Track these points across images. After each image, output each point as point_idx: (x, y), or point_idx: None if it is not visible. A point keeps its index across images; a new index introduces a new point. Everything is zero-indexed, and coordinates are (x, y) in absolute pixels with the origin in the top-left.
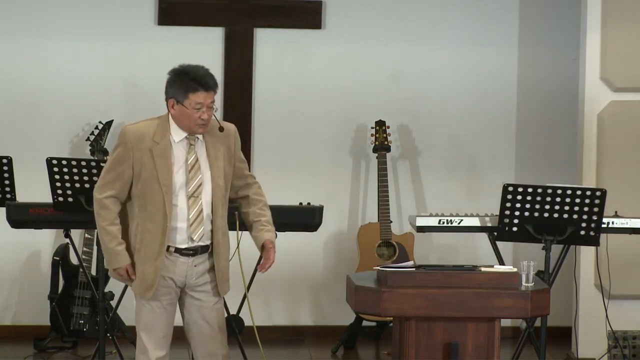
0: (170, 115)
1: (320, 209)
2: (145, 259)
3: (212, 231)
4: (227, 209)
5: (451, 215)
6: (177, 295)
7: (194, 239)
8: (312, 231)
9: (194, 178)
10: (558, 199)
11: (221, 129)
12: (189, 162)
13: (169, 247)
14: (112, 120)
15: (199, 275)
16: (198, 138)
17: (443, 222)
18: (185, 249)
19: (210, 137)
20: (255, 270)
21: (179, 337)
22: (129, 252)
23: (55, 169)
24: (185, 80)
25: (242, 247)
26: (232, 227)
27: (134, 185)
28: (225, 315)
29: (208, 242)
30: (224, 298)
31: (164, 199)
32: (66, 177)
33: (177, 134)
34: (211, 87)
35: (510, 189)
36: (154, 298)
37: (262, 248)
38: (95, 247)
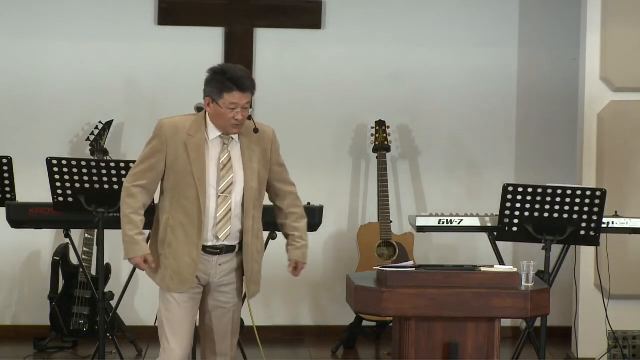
0: (207, 113)
1: (320, 209)
2: (178, 253)
3: (241, 232)
4: (262, 211)
5: (451, 215)
6: (201, 294)
7: (220, 237)
8: (312, 231)
9: (225, 177)
10: (558, 199)
11: (256, 130)
12: (221, 161)
13: None
14: (112, 120)
15: (223, 274)
16: (233, 138)
17: (443, 222)
18: (211, 247)
19: (246, 138)
20: None
21: None
22: (154, 245)
23: (55, 169)
24: (222, 80)
25: None
26: None
27: (166, 178)
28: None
29: (235, 242)
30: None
31: (197, 192)
32: (66, 177)
33: (212, 132)
34: (247, 88)
35: (510, 189)
36: (181, 293)
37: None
38: (95, 247)
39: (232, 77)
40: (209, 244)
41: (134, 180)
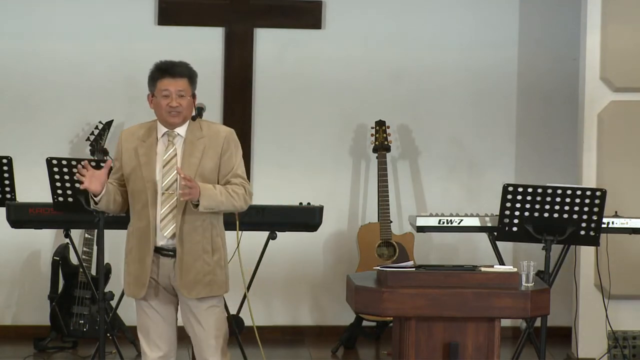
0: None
1: (320, 209)
2: (136, 258)
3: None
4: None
5: (451, 215)
6: (166, 296)
7: (165, 235)
8: (312, 231)
9: (168, 174)
10: (558, 199)
11: (194, 117)
12: (164, 158)
13: None
14: (112, 120)
15: None
16: (179, 134)
17: (443, 222)
18: (165, 249)
19: (191, 133)
20: (256, 270)
21: (179, 336)
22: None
23: (55, 169)
24: (153, 71)
25: (242, 247)
26: (231, 227)
27: (128, 188)
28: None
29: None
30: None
31: (147, 195)
32: (66, 177)
33: (160, 131)
34: (176, 74)
35: (510, 189)
36: (143, 298)
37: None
38: (95, 247)
39: (161, 66)
40: (159, 244)
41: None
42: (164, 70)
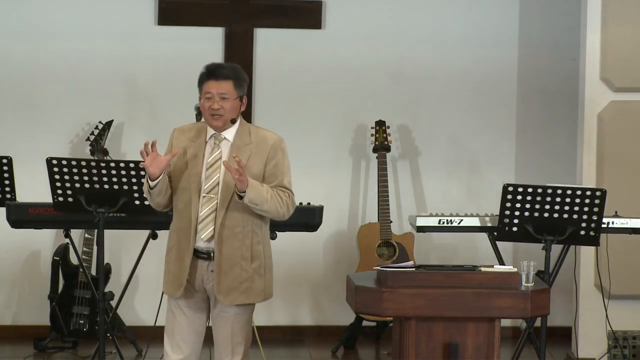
0: None
1: (320, 209)
2: (176, 257)
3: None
4: (252, 216)
5: (451, 215)
6: (198, 300)
7: (202, 237)
8: (312, 231)
9: (210, 176)
10: (558, 199)
11: (233, 120)
12: (208, 161)
13: None
14: (112, 120)
15: None
16: (226, 138)
17: (443, 222)
18: (201, 252)
19: (239, 139)
20: None
21: None
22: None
23: (55, 169)
24: (201, 73)
25: None
26: None
27: (172, 185)
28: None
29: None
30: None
31: (190, 195)
32: (66, 177)
33: (209, 133)
34: (220, 76)
35: (510, 189)
36: (175, 299)
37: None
38: (95, 247)
39: (207, 68)
40: (197, 245)
41: None
42: (209, 73)
